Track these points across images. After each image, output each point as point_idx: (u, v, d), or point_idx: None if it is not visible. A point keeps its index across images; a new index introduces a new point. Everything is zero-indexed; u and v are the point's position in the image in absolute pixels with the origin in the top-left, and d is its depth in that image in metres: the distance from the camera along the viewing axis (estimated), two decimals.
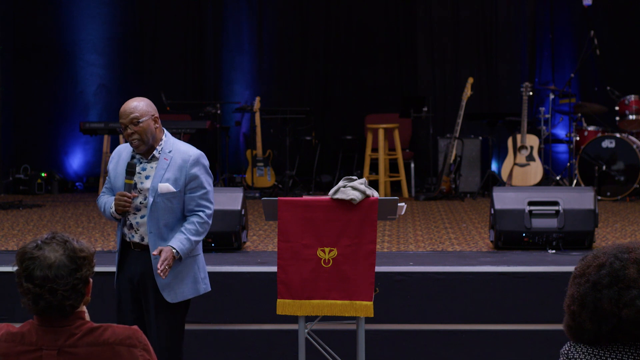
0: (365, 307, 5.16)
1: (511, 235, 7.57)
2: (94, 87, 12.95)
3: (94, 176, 12.77)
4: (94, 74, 12.96)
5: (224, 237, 7.55)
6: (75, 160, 12.96)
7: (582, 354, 2.61)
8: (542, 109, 11.64)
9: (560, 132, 12.33)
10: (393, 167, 11.78)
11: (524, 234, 7.54)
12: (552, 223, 7.52)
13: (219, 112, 12.05)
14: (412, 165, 11.82)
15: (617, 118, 11.41)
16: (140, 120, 4.83)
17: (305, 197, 5.37)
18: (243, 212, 7.64)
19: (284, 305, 5.21)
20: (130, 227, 4.94)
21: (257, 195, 11.33)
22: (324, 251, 5.18)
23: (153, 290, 4.89)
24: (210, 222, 4.95)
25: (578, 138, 11.45)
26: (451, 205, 10.82)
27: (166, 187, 4.86)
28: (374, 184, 10.58)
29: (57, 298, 2.89)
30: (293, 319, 5.36)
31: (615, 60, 12.44)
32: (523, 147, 11.23)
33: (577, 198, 7.62)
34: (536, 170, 11.20)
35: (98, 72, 12.96)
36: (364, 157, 11.72)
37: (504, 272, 6.76)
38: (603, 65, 12.33)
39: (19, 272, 2.93)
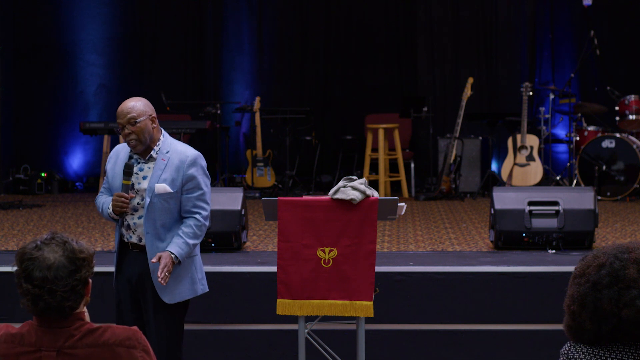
0: (365, 307, 5.15)
1: (511, 235, 7.57)
2: (94, 87, 12.95)
3: (94, 176, 12.76)
4: (94, 74, 12.95)
5: (224, 237, 7.55)
6: (75, 160, 12.96)
7: (582, 354, 2.60)
8: (542, 109, 11.63)
9: (560, 132, 12.32)
10: (393, 167, 11.77)
11: (524, 234, 7.53)
12: (552, 223, 7.52)
13: (219, 112, 12.04)
14: (412, 165, 11.81)
15: (617, 118, 11.40)
16: (137, 121, 4.81)
17: (305, 197, 5.37)
18: (243, 212, 7.63)
19: (284, 305, 5.21)
20: (128, 227, 4.93)
21: (257, 195, 11.32)
22: (324, 251, 5.17)
23: (151, 291, 4.88)
24: (207, 223, 4.94)
25: (578, 138, 11.44)
26: (451, 205, 10.81)
27: (163, 187, 4.85)
28: (374, 184, 10.57)
29: (56, 299, 2.88)
30: (293, 319, 5.36)
31: (615, 60, 12.43)
32: (523, 147, 11.22)
33: (577, 198, 7.62)
34: (536, 170, 11.20)
35: (98, 72, 12.96)
36: (364, 157, 11.71)
37: (504, 272, 6.76)
38: (603, 65, 12.32)
39: (19, 273, 2.93)
